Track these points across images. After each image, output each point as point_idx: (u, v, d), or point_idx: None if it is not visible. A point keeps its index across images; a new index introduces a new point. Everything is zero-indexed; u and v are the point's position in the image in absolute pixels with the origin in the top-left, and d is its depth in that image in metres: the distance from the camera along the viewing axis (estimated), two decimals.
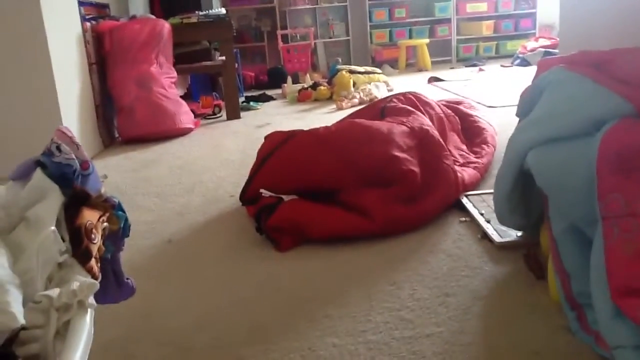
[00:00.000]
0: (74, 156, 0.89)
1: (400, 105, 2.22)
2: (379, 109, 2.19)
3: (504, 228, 1.56)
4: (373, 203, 1.66)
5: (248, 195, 1.89)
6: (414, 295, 1.32)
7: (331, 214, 1.66)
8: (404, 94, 2.36)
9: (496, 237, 1.56)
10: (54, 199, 0.85)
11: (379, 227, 1.63)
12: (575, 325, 1.12)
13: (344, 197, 1.73)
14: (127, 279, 1.07)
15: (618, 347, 0.92)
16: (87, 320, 0.77)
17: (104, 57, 3.44)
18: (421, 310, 1.26)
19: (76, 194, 0.90)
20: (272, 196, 1.79)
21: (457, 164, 2.07)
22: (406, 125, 1.93)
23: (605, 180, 1.02)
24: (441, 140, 1.96)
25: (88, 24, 3.31)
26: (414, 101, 2.29)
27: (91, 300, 0.80)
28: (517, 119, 1.44)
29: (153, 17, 3.81)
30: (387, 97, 2.41)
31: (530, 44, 6.09)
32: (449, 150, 2.18)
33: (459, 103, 2.88)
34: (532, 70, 1.91)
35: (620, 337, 0.92)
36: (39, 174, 0.87)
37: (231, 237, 1.77)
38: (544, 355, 1.07)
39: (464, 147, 2.29)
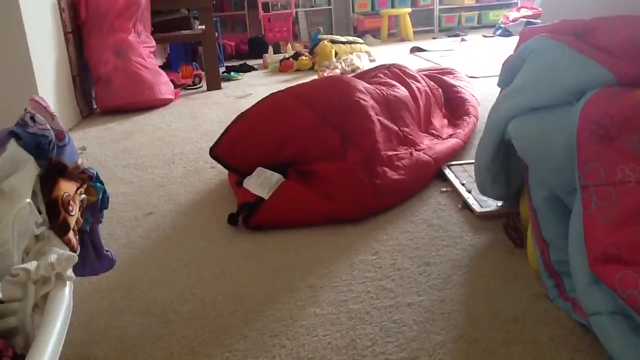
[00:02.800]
0: (49, 126, 0.87)
1: (385, 79, 2.21)
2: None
3: (484, 198, 1.58)
4: (340, 189, 1.64)
5: (220, 148, 1.83)
6: (395, 265, 1.33)
7: (308, 206, 1.60)
8: (388, 67, 2.35)
9: (477, 207, 1.57)
10: (29, 171, 0.83)
11: (349, 212, 1.60)
12: (554, 293, 1.14)
13: (313, 181, 1.70)
14: (107, 251, 1.06)
15: (594, 313, 0.94)
16: (66, 293, 0.77)
17: (80, 25, 3.36)
18: (402, 279, 1.27)
19: (52, 165, 0.88)
20: (251, 194, 1.67)
21: (440, 139, 2.08)
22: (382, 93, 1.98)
23: (585, 149, 1.03)
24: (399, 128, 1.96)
25: None
26: (399, 74, 2.28)
27: (70, 272, 0.79)
28: (499, 89, 1.44)
29: None
30: (373, 70, 2.39)
31: (512, 14, 6.07)
32: (433, 124, 2.20)
33: (449, 73, 2.87)
34: (513, 40, 1.90)
35: (596, 303, 0.94)
36: (13, 145, 0.85)
37: (213, 208, 1.76)
38: (523, 322, 1.09)
39: (445, 121, 2.30)
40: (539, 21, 4.24)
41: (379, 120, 1.86)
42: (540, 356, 0.99)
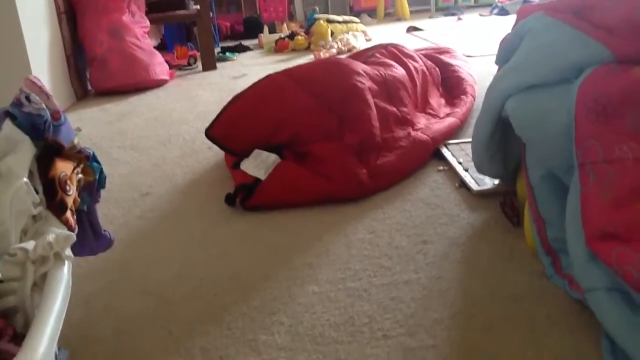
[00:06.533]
0: (44, 106, 0.87)
1: (382, 58, 2.20)
2: (361, 62, 2.16)
3: (481, 176, 1.58)
4: (336, 168, 1.63)
5: (215, 130, 1.81)
6: (393, 243, 1.34)
7: (304, 186, 1.60)
8: (385, 47, 2.33)
9: (473, 186, 1.58)
10: (25, 151, 0.83)
11: (346, 192, 1.60)
12: (550, 270, 1.15)
13: (309, 161, 1.70)
14: (105, 230, 1.06)
15: (591, 289, 0.95)
16: (65, 272, 0.77)
17: (73, 5, 3.32)
18: (399, 257, 1.28)
19: (48, 145, 0.88)
20: (248, 175, 1.66)
21: (437, 118, 2.07)
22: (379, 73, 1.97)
23: (583, 126, 1.03)
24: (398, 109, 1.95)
25: None
26: (397, 54, 2.27)
27: (68, 252, 0.79)
28: (496, 67, 1.43)
29: None
30: (369, 49, 2.38)
31: None
32: (430, 104, 2.19)
33: (446, 52, 2.85)
34: (510, 19, 1.89)
35: (593, 280, 0.94)
36: (8, 125, 0.84)
37: (210, 189, 1.76)
38: (520, 299, 1.09)
39: (442, 100, 2.29)
40: (535, 0, 4.22)
41: (376, 103, 1.85)
42: (537, 332, 1.00)
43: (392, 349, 0.98)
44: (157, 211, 1.64)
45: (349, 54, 3.43)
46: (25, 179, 0.81)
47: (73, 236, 0.80)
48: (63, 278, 0.75)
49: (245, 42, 5.00)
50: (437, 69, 2.42)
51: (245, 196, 1.59)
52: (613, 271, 0.89)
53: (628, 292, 0.90)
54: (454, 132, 2.01)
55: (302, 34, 4.61)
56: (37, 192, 0.84)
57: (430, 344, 0.99)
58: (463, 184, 1.62)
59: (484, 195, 1.54)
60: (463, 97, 2.27)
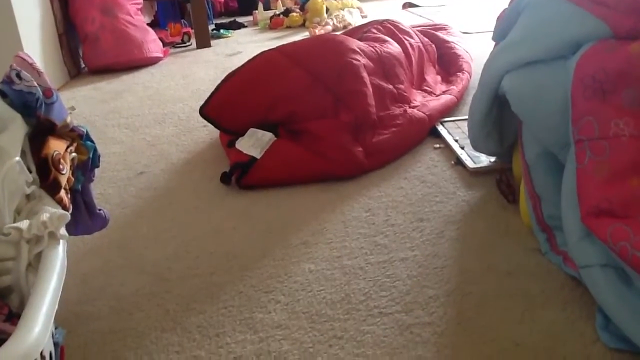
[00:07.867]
0: (35, 83, 0.85)
1: (378, 34, 2.18)
2: (356, 38, 2.14)
3: (477, 154, 1.58)
4: (332, 147, 1.62)
5: (209, 108, 1.79)
6: (389, 221, 1.34)
7: (300, 165, 1.60)
8: (381, 23, 2.31)
9: (469, 163, 1.57)
10: (17, 129, 0.82)
11: (342, 170, 1.60)
12: (545, 247, 1.15)
13: (304, 139, 1.69)
14: (100, 210, 1.06)
15: (586, 266, 0.95)
16: (60, 252, 0.76)
17: None
18: (395, 235, 1.28)
19: (41, 124, 0.87)
20: (243, 154, 1.65)
21: (433, 95, 2.06)
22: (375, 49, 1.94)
23: (580, 103, 1.02)
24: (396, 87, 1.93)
25: None
26: (392, 30, 2.24)
27: (63, 231, 0.78)
28: (493, 44, 1.42)
29: None
30: (365, 25, 2.36)
31: None
32: (426, 81, 2.17)
33: (442, 28, 2.82)
34: None
35: (588, 256, 0.95)
36: None
37: (205, 167, 1.75)
38: (515, 275, 1.10)
39: (438, 77, 2.28)
40: None
41: (372, 80, 1.83)
42: (531, 308, 1.01)
43: (388, 326, 0.99)
44: (153, 190, 1.63)
45: (344, 30, 3.40)
46: (17, 158, 0.80)
47: (67, 215, 0.79)
48: (58, 257, 0.75)
49: (240, 19, 4.94)
50: (433, 45, 2.40)
51: (241, 175, 1.58)
52: (608, 248, 0.89)
53: (622, 268, 0.90)
54: (450, 109, 2.00)
55: (297, 10, 4.56)
56: (30, 171, 0.83)
57: (426, 321, 1.00)
58: (459, 162, 1.61)
59: (480, 172, 1.54)
60: (459, 74, 2.26)
